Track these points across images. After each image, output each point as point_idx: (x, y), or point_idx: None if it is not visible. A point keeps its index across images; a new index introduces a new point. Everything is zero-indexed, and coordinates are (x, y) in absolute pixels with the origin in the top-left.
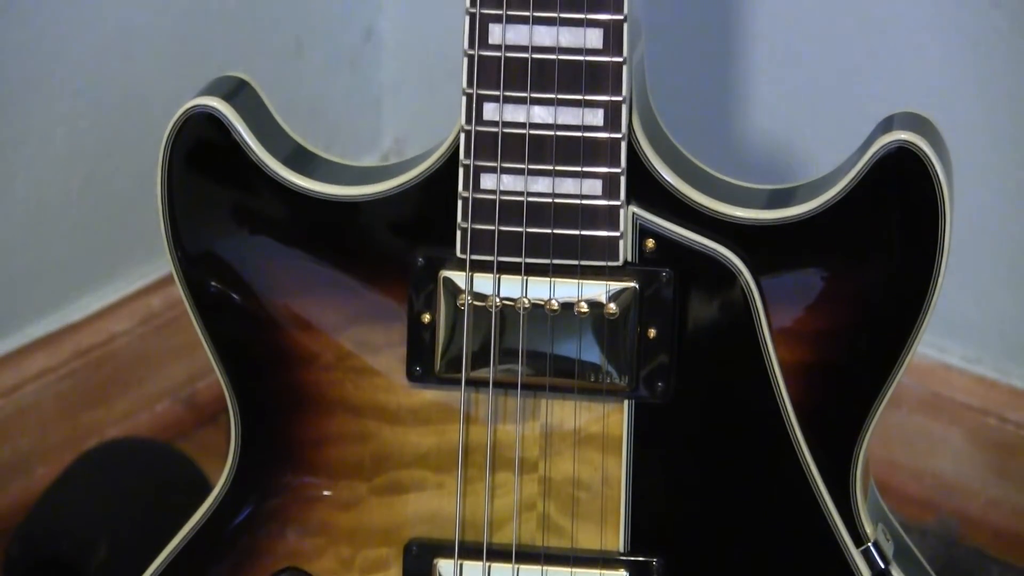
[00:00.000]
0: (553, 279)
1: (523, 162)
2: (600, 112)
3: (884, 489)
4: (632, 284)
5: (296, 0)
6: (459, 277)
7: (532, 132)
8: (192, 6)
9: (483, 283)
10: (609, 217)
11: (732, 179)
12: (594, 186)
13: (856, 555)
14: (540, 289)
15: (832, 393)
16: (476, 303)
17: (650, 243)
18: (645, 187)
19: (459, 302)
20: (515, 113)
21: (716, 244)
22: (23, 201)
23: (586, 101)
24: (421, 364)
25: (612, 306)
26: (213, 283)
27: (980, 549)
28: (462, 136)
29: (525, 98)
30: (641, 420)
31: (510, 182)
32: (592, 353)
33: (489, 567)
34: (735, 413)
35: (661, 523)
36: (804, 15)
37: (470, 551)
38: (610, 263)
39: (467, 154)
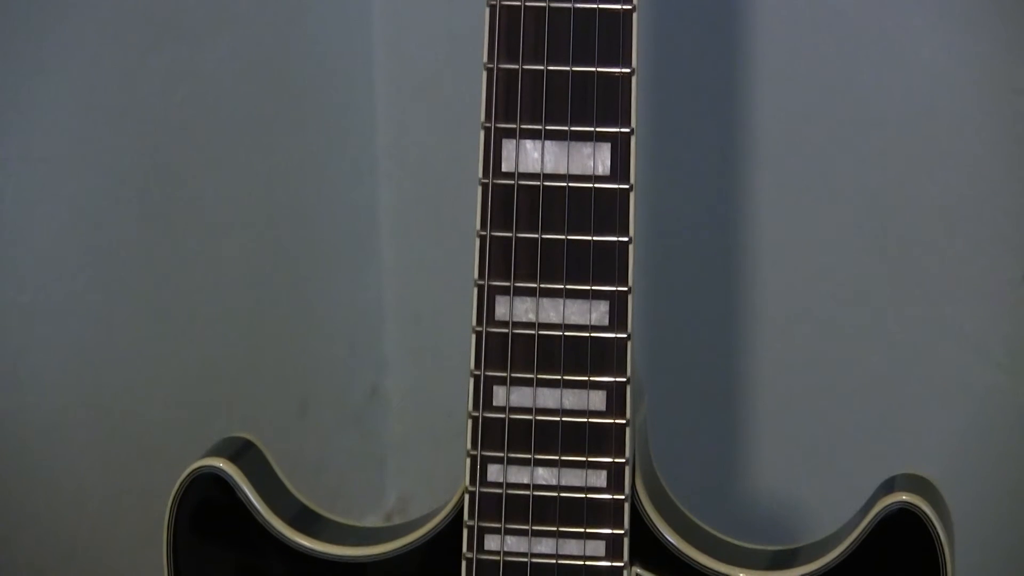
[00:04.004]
0: None
1: (527, 523)
2: (603, 474)
3: None
4: None
5: (301, 359)
6: None
7: (536, 493)
8: (199, 364)
9: None
10: None
11: (735, 539)
12: (597, 547)
13: None
14: None
15: None
16: None
17: None
18: (648, 548)
19: None
20: (519, 475)
21: None
22: (26, 554)
23: (589, 463)
24: None
25: None
26: None
27: None
28: (466, 497)
29: (529, 460)
30: None
31: (514, 543)
32: None
33: None
34: None
35: None
36: (803, 366)
37: None
38: None
39: (471, 515)
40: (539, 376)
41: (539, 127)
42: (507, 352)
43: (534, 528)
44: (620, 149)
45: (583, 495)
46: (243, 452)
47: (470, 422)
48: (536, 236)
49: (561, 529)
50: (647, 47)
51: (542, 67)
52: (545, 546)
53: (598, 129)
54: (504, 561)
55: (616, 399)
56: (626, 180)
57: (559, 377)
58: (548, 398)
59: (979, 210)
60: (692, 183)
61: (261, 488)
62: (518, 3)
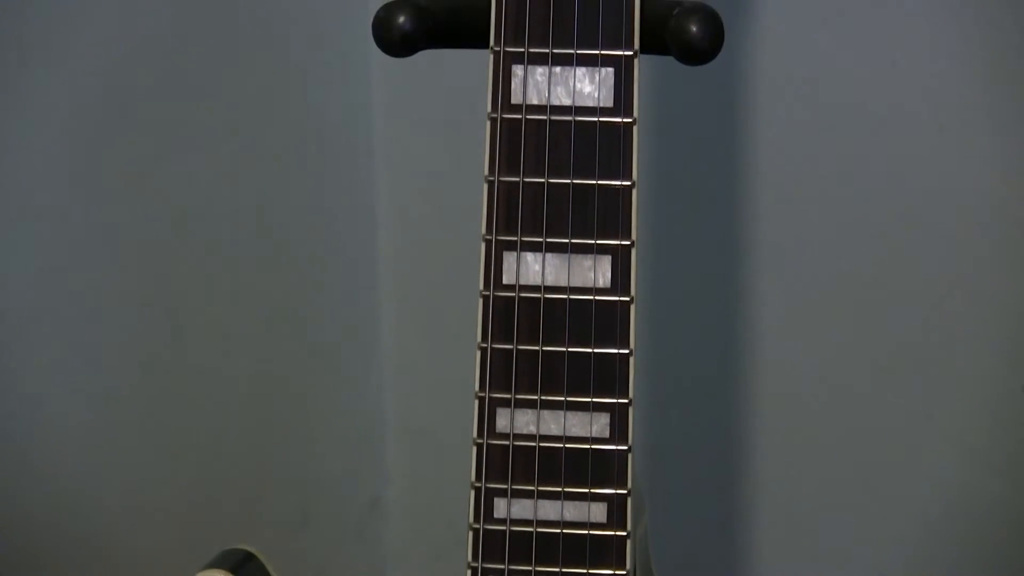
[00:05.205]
0: None
1: None
2: None
3: None
4: None
5: (302, 471)
6: None
7: None
8: (200, 476)
9: None
10: None
11: None
12: None
13: None
14: None
15: None
16: None
17: None
18: None
19: None
20: None
21: None
22: None
23: (590, 575)
24: None
25: None
26: None
27: None
28: None
29: (530, 572)
30: None
31: None
32: None
33: None
34: None
35: None
36: (804, 475)
37: None
38: None
39: None
40: (540, 488)
41: (540, 239)
42: (508, 464)
43: None
44: (621, 261)
45: None
46: (244, 564)
47: (471, 534)
48: (537, 348)
49: None
50: (647, 159)
51: (543, 180)
52: None
53: (599, 242)
54: None
55: (617, 511)
56: (627, 292)
57: (560, 489)
58: (549, 510)
59: (980, 319)
60: (692, 294)
61: None
62: (519, 116)
